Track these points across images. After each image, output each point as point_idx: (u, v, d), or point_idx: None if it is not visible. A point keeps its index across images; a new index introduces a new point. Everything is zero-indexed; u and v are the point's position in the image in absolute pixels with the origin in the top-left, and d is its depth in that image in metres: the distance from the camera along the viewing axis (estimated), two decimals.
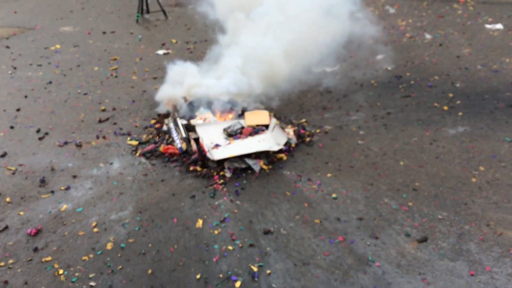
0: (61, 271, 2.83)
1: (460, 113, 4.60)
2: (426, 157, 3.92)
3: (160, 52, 6.43)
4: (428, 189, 3.51)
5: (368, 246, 2.98)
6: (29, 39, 7.29)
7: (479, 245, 2.96)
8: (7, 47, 6.90)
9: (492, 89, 5.09)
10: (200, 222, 3.21)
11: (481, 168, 3.73)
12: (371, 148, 4.09)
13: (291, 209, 3.33)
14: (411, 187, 3.54)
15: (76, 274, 2.81)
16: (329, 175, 3.72)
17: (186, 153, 3.96)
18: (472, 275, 2.73)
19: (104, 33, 7.45)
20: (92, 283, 2.73)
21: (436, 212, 3.26)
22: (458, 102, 4.84)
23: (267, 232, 3.11)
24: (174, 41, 6.60)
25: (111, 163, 3.96)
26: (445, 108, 4.73)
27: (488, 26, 7.06)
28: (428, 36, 6.79)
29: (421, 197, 3.42)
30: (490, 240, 3.00)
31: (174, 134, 4.10)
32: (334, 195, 3.47)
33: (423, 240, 3.02)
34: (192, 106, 4.42)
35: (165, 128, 4.37)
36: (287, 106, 4.85)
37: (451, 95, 5.00)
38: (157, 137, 4.30)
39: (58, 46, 6.89)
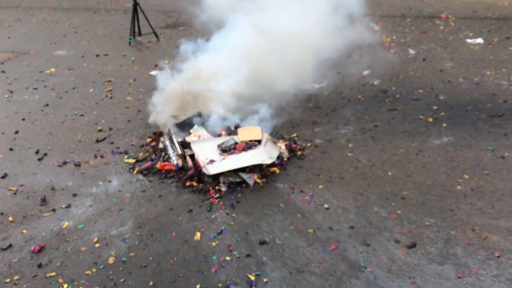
0: (65, 286, 2.93)
1: (444, 124, 4.80)
2: (413, 167, 4.09)
3: (153, 73, 6.60)
4: (415, 197, 3.67)
5: (360, 253, 3.12)
6: (24, 63, 7.43)
7: (465, 249, 3.11)
8: (3, 71, 7.03)
9: (474, 100, 5.30)
10: (198, 235, 3.33)
11: (466, 176, 3.90)
12: (360, 160, 4.25)
13: (285, 220, 3.47)
14: (399, 195, 3.70)
15: None
16: (320, 186, 3.87)
17: (182, 169, 4.09)
18: (459, 277, 2.88)
19: (97, 56, 7.61)
20: None
21: (424, 219, 3.42)
22: (442, 113, 5.04)
23: (262, 243, 3.24)
24: (166, 61, 6.77)
25: (109, 181, 4.07)
26: (430, 120, 4.92)
27: (469, 40, 7.33)
28: (411, 51, 7.04)
29: (409, 205, 3.58)
30: (476, 244, 3.16)
31: (170, 151, 4.23)
32: (326, 206, 3.61)
33: (412, 245, 3.16)
34: (186, 124, 4.57)
35: (161, 145, 4.50)
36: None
37: (435, 107, 5.20)
38: (154, 155, 4.43)
39: (53, 69, 7.04)
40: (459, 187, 3.77)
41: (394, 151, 4.38)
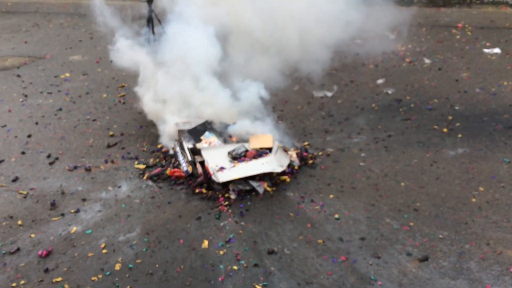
0: None
1: (460, 135, 4.71)
2: (426, 178, 4.01)
3: None
4: (428, 209, 3.58)
5: (370, 265, 3.05)
6: (40, 68, 7.52)
7: (479, 264, 3.02)
8: (18, 76, 7.11)
9: (490, 111, 5.20)
10: (206, 243, 3.30)
11: (481, 189, 3.81)
12: (373, 170, 4.18)
13: (294, 230, 3.41)
14: (412, 207, 3.62)
15: None
16: (331, 196, 3.81)
17: (192, 176, 4.07)
18: None
19: (112, 61, 7.66)
20: None
21: (437, 231, 3.33)
22: (458, 124, 4.95)
23: (271, 252, 3.19)
24: None
25: (119, 186, 4.07)
26: (445, 130, 4.83)
27: (486, 50, 7.22)
28: (427, 60, 6.96)
29: (422, 217, 3.50)
30: (490, 258, 3.06)
31: (180, 157, 4.21)
32: (336, 216, 3.55)
33: (424, 259, 3.08)
34: (197, 131, 4.55)
35: (171, 152, 4.49)
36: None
37: (450, 117, 5.11)
38: (164, 161, 4.42)
39: (67, 74, 7.10)
40: (474, 200, 3.68)
41: (407, 161, 4.30)
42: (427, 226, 3.39)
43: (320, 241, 3.29)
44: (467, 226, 3.38)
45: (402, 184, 3.94)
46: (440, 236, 3.29)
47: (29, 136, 5.07)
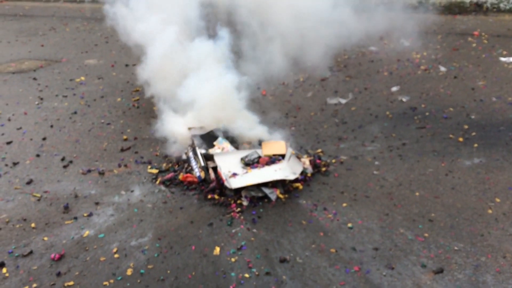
0: None
1: (476, 145, 4.64)
2: (441, 188, 3.95)
3: None
4: (444, 220, 3.53)
5: (384, 276, 3.00)
6: (56, 71, 7.61)
7: (495, 277, 2.96)
8: (35, 79, 7.20)
9: (507, 120, 5.12)
10: (217, 250, 3.28)
11: (497, 200, 3.74)
12: (387, 179, 4.14)
13: (307, 238, 3.38)
14: (427, 217, 3.57)
15: None
16: (344, 204, 3.77)
17: (204, 181, 4.06)
18: None
19: (127, 65, 7.72)
20: None
21: (452, 243, 3.28)
22: (474, 133, 4.87)
23: (283, 261, 3.16)
24: None
25: (132, 191, 4.07)
26: (461, 139, 4.76)
27: (502, 59, 7.12)
28: (442, 68, 6.88)
29: (437, 228, 3.44)
30: (507, 272, 3.00)
31: (193, 163, 4.21)
32: (349, 225, 3.51)
33: (439, 271, 3.03)
34: (210, 136, 4.55)
35: (184, 157, 4.49)
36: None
37: (466, 126, 5.04)
38: (177, 166, 4.42)
39: (83, 78, 7.17)
40: (490, 211, 3.61)
41: (422, 170, 4.24)
42: (442, 237, 3.33)
43: (333, 250, 3.25)
44: (483, 238, 3.31)
45: (417, 193, 3.89)
46: (456, 247, 3.23)
47: (44, 139, 5.11)
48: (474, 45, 7.97)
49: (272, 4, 5.73)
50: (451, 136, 4.86)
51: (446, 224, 3.47)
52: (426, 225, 3.47)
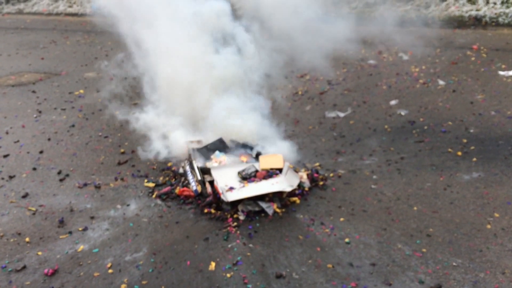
0: None
1: (474, 159, 4.61)
2: (440, 203, 3.92)
3: None
4: (442, 235, 3.49)
5: None
6: (55, 84, 7.63)
7: None
8: (34, 91, 7.22)
9: (506, 135, 5.10)
10: (213, 265, 3.24)
11: (496, 215, 3.71)
12: (385, 193, 4.11)
13: (303, 253, 3.34)
14: (425, 232, 3.53)
15: None
16: (342, 219, 3.73)
17: (201, 195, 4.03)
18: None
19: (125, 78, 7.74)
20: None
21: (451, 259, 3.23)
22: (472, 147, 4.85)
23: (279, 276, 3.12)
24: None
25: (128, 205, 4.05)
26: (459, 153, 4.74)
27: (501, 72, 7.13)
28: (441, 82, 6.89)
29: (435, 243, 3.40)
30: None
31: (190, 176, 4.19)
32: (347, 240, 3.47)
33: (437, 287, 2.98)
34: (207, 150, 4.54)
35: (181, 170, 4.47)
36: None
37: (465, 140, 5.02)
38: (173, 179, 4.40)
39: (82, 91, 7.19)
40: (489, 226, 3.57)
41: (420, 185, 4.21)
42: (440, 253, 3.29)
43: (329, 265, 3.21)
44: (482, 254, 3.27)
45: (415, 208, 3.86)
46: (454, 263, 3.19)
47: (41, 152, 5.10)
48: (473, 59, 7.99)
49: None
50: (449, 150, 4.84)
51: (444, 240, 3.44)
52: (424, 241, 3.43)
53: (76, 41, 10.97)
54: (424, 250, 3.33)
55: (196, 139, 4.71)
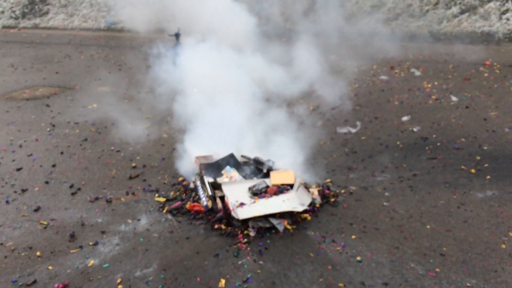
0: None
1: (488, 177, 4.55)
2: (453, 221, 3.86)
3: None
4: (456, 255, 3.43)
5: None
6: (69, 98, 7.73)
7: None
8: (47, 105, 7.31)
9: None
10: (223, 282, 3.21)
11: (511, 234, 3.64)
12: (397, 210, 4.06)
13: (314, 271, 3.30)
14: (438, 251, 3.47)
15: None
16: (353, 236, 3.69)
17: (211, 211, 4.02)
18: None
19: (138, 92, 7.82)
20: None
21: (465, 279, 3.17)
22: (486, 165, 4.79)
23: None
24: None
25: (138, 219, 4.05)
26: (473, 171, 4.68)
27: None
28: (454, 98, 6.84)
29: (449, 262, 3.34)
30: None
31: (201, 191, 4.18)
32: (358, 258, 3.43)
33: None
34: (219, 165, 4.53)
35: (192, 185, 4.47)
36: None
37: (478, 157, 4.96)
38: (184, 194, 4.40)
39: (95, 105, 7.26)
40: (503, 246, 3.50)
41: (433, 202, 4.16)
42: (454, 273, 3.23)
43: (341, 284, 3.16)
44: (497, 274, 3.20)
45: (428, 226, 3.80)
46: (468, 284, 3.12)
47: (53, 165, 5.14)
48: (486, 75, 7.94)
49: None
50: (463, 167, 4.78)
51: (458, 259, 3.37)
52: (437, 260, 3.37)
53: (90, 55, 11.13)
54: (437, 269, 3.27)
55: (205, 154, 4.71)
